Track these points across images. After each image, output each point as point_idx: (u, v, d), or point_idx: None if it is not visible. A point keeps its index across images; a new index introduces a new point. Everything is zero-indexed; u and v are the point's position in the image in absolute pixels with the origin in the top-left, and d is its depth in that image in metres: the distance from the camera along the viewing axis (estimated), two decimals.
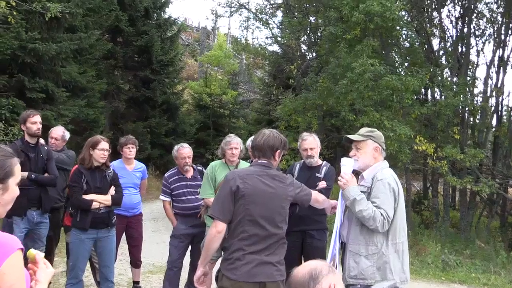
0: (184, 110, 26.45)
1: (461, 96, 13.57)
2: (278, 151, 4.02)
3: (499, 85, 16.46)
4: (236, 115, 28.57)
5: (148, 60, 21.96)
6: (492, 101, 16.87)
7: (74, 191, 5.48)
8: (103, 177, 5.68)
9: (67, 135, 7.20)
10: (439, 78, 14.41)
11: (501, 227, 16.51)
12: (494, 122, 17.49)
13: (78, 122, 15.05)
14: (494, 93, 16.48)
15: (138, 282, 7.16)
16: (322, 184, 5.72)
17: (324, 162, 6.14)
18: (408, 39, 14.95)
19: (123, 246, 7.37)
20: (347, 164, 4.22)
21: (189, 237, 6.43)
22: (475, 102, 15.63)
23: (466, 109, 15.27)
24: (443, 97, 15.15)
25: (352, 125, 14.81)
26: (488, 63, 16.50)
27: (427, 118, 14.50)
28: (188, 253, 6.62)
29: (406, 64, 15.35)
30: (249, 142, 6.67)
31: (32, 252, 2.17)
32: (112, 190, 5.69)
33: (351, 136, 4.31)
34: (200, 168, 6.76)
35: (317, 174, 5.90)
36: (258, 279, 3.75)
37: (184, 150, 6.52)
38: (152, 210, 13.91)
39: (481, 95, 16.19)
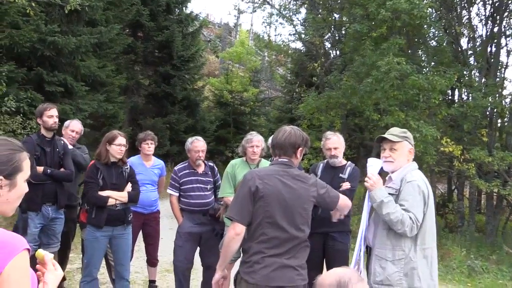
0: (204, 106, 26.40)
1: (490, 97, 13.27)
2: (300, 148, 3.87)
3: None
4: (257, 112, 28.46)
5: (169, 55, 21.93)
6: None
7: (90, 187, 5.40)
8: (120, 173, 5.59)
9: (83, 129, 7.12)
10: (467, 78, 14.13)
11: None
12: None
13: (97, 117, 15.02)
14: None
15: (154, 281, 7.06)
16: (346, 185, 5.57)
17: (349, 162, 5.98)
18: (436, 38, 14.68)
19: (140, 244, 7.28)
20: (374, 165, 4.06)
21: (196, 236, 6.22)
22: (504, 103, 15.30)
23: (495, 110, 14.95)
24: (470, 98, 14.89)
25: (376, 125, 14.61)
26: None
27: (454, 119, 14.23)
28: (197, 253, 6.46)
29: (432, 63, 15.09)
30: (270, 140, 6.55)
31: (40, 252, 2.06)
32: (128, 187, 5.60)
33: (389, 137, 4.11)
34: (212, 165, 6.60)
35: (340, 175, 5.75)
36: (277, 283, 3.62)
37: (198, 143, 6.34)
38: (170, 207, 13.69)
39: (510, 96, 15.86)
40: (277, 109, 28.59)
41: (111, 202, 5.41)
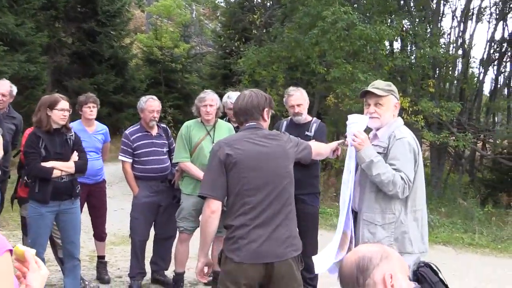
0: (133, 65, 25.47)
1: (436, 47, 13.33)
2: (266, 109, 3.64)
3: (466, 36, 16.49)
4: (189, 69, 27.74)
5: (93, 10, 20.91)
6: (459, 52, 16.85)
7: (32, 158, 4.91)
8: (64, 141, 5.12)
9: (15, 89, 6.52)
10: (411, 27, 14.16)
11: (471, 182, 16.67)
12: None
13: (18, 79, 14.17)
14: (460, 44, 16.49)
15: (103, 257, 6.66)
16: None
17: (314, 118, 5.82)
18: None
19: (82, 216, 6.86)
20: (359, 122, 3.81)
21: (154, 206, 5.95)
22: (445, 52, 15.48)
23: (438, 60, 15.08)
24: (413, 48, 14.98)
25: (318, 79, 14.50)
26: (455, 13, 16.49)
27: (400, 70, 14.25)
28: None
29: (369, 12, 14.96)
30: (225, 98, 6.24)
31: (19, 248, 1.68)
32: (75, 156, 5.15)
33: (375, 90, 3.85)
34: (164, 126, 6.33)
35: (306, 133, 5.56)
36: (266, 259, 3.36)
37: (154, 103, 5.99)
38: (110, 175, 13.22)
39: (453, 45, 16.11)
40: (209, 65, 28.02)
41: (56, 173, 4.95)
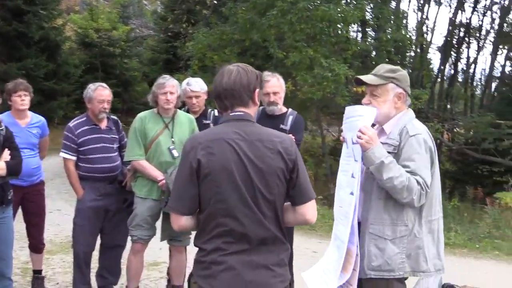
0: (66, 48, 24.55)
1: (403, 30, 13.18)
2: (257, 90, 2.88)
3: (427, 21, 16.48)
4: (129, 54, 26.97)
5: None
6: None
7: None
8: None
9: None
10: (376, 9, 13.88)
11: None
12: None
13: None
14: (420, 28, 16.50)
15: (40, 271, 6.02)
16: None
17: (290, 110, 5.34)
18: None
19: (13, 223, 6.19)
20: (365, 115, 3.29)
21: (101, 211, 5.38)
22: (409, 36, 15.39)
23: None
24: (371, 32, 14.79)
25: (273, 64, 14.08)
26: None
27: (363, 55, 13.95)
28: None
29: None
30: (184, 85, 5.72)
31: None
32: (6, 155, 4.52)
33: (364, 78, 3.38)
34: (115, 118, 5.71)
35: (281, 126, 5.10)
36: None
37: (104, 92, 5.37)
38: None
39: (414, 29, 16.09)
40: (151, 50, 27.40)
41: None
